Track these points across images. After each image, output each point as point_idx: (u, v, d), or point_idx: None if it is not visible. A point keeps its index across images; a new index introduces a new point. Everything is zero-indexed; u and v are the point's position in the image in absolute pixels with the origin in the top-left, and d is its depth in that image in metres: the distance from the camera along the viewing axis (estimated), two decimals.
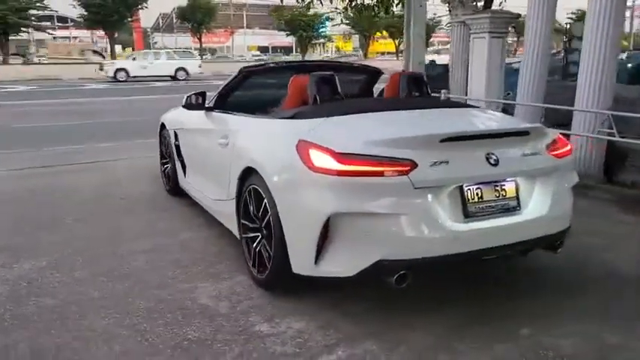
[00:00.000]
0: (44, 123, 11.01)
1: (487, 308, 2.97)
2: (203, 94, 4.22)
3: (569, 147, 3.24)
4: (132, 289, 3.21)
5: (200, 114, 4.24)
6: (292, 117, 3.25)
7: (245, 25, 65.95)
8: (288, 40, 45.17)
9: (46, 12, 43.81)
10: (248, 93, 4.32)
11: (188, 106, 4.23)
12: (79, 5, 39.28)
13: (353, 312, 2.91)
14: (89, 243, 3.99)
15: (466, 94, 7.17)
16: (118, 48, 46.00)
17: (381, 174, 2.58)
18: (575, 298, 3.09)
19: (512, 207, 2.89)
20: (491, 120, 3.48)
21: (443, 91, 7.03)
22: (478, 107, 4.03)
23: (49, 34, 49.01)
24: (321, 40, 46.66)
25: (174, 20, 54.81)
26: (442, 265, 2.77)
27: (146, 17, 56.59)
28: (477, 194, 2.79)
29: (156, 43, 61.26)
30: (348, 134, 2.86)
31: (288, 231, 2.82)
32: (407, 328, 2.75)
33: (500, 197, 2.86)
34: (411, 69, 8.61)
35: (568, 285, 3.28)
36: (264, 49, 67.30)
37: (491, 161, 2.78)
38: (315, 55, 47.71)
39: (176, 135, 4.89)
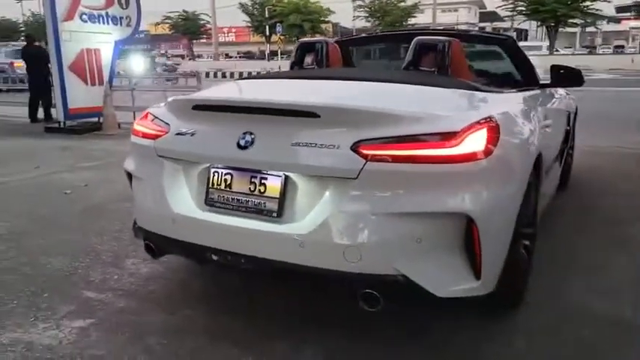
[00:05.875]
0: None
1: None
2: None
3: (457, 150, 1.90)
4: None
5: None
6: None
7: None
8: None
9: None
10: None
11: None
12: None
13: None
14: None
15: None
16: None
17: (145, 135, 2.50)
18: None
19: (267, 210, 2.10)
20: (373, 99, 2.26)
21: None
22: (455, 88, 2.47)
23: (596, 27, 47.73)
24: None
25: None
26: (187, 251, 2.39)
27: None
28: (225, 181, 2.20)
29: None
30: (197, 96, 2.74)
31: None
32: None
33: (256, 193, 2.13)
34: None
35: None
36: None
37: (241, 142, 2.12)
38: None
39: None
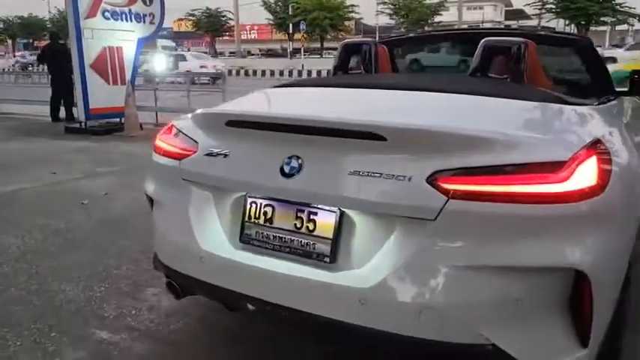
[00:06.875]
0: None
1: None
2: None
3: (561, 188, 1.47)
4: None
5: None
6: None
7: None
8: None
9: None
10: None
11: None
12: None
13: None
14: None
15: None
16: None
17: (169, 154, 2.11)
18: None
19: (317, 253, 1.69)
20: (445, 115, 1.85)
21: None
22: (530, 101, 2.02)
23: (629, 24, 46.12)
24: None
25: None
26: (218, 296, 2.01)
27: None
28: (265, 214, 1.80)
29: None
30: (232, 106, 2.35)
31: None
32: None
33: (304, 231, 1.73)
34: None
35: None
36: None
37: (286, 169, 1.72)
38: None
39: None
